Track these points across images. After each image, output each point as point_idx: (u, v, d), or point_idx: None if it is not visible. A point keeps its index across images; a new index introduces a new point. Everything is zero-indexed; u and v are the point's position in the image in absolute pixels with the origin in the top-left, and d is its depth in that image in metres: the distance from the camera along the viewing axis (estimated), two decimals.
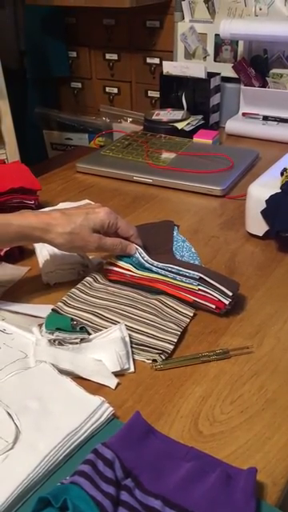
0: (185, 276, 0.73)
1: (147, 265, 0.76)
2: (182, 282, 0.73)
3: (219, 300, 0.71)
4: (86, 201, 1.02)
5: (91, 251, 0.76)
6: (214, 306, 0.71)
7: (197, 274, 0.73)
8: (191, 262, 0.82)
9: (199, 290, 0.72)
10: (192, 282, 0.72)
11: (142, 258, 0.76)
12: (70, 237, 0.72)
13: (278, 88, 1.40)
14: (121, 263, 0.78)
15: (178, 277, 0.74)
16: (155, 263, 0.76)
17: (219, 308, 0.71)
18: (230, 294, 0.71)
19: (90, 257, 0.84)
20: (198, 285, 0.72)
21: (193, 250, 0.87)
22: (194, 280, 0.73)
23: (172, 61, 1.54)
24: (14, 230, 0.70)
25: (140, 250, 0.77)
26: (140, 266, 0.77)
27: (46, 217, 0.72)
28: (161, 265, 0.75)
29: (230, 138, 1.43)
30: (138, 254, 0.77)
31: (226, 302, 0.70)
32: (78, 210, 0.75)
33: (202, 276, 0.72)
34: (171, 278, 0.74)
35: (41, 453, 0.51)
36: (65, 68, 1.81)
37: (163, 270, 0.75)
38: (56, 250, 0.78)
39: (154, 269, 0.75)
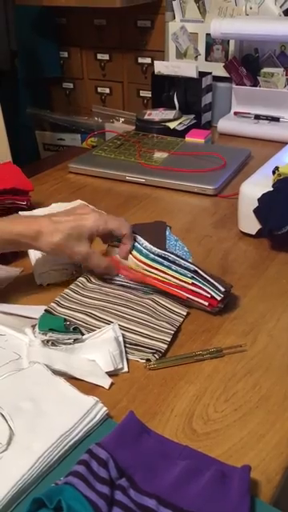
0: (180, 266, 0.73)
1: (145, 251, 0.76)
2: (176, 272, 0.73)
3: (212, 296, 0.71)
4: (79, 201, 1.01)
5: (78, 262, 0.76)
6: (206, 303, 0.71)
7: (192, 266, 0.73)
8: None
9: (192, 284, 0.72)
10: (186, 274, 0.72)
11: (141, 244, 0.77)
12: (56, 247, 0.72)
13: (270, 87, 1.40)
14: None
15: (174, 266, 0.73)
16: (153, 249, 0.76)
17: (212, 305, 0.71)
18: (223, 289, 0.71)
19: None
20: (192, 277, 0.72)
21: (185, 248, 0.87)
22: (188, 271, 0.73)
23: (163, 60, 1.54)
24: (1, 236, 0.71)
25: (139, 237, 0.78)
26: (138, 251, 0.77)
27: (35, 224, 0.72)
28: (158, 251, 0.75)
29: (222, 137, 1.43)
30: (136, 242, 0.77)
31: (218, 298, 0.71)
32: (67, 218, 0.74)
33: (197, 269, 0.72)
34: (166, 266, 0.74)
35: (35, 454, 0.51)
36: (56, 68, 1.81)
37: (160, 257, 0.75)
38: None
39: (151, 256, 0.75)
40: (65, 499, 0.45)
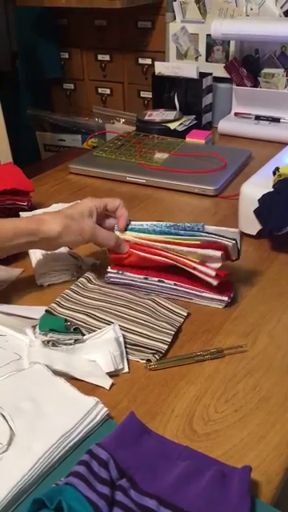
0: (185, 229, 0.75)
1: (150, 229, 0.77)
2: (185, 236, 0.74)
3: (225, 245, 0.72)
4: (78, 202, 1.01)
5: (87, 240, 0.76)
6: (219, 254, 0.72)
7: (199, 225, 0.75)
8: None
9: (201, 243, 0.72)
10: (194, 234, 0.74)
11: (140, 225, 0.79)
12: (65, 222, 0.73)
13: (270, 88, 1.40)
14: (126, 235, 0.78)
15: (182, 231, 0.75)
16: (158, 224, 0.77)
17: (219, 276, 0.72)
18: (233, 241, 0.72)
19: (84, 257, 0.84)
20: (200, 235, 0.73)
21: None
22: (196, 231, 0.74)
23: (164, 61, 1.54)
24: (10, 230, 0.72)
25: (134, 221, 0.79)
26: (141, 231, 0.78)
27: (36, 217, 0.77)
28: (161, 223, 0.77)
29: (223, 137, 1.43)
30: (133, 226, 0.79)
31: (231, 244, 0.72)
32: (62, 207, 0.78)
33: (204, 226, 0.74)
34: (174, 233, 0.75)
35: (35, 454, 0.51)
36: (57, 69, 1.81)
37: (167, 227, 0.76)
38: (49, 251, 0.78)
39: (157, 229, 0.77)
40: (65, 500, 0.45)
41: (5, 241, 0.73)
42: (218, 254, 0.72)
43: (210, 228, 0.76)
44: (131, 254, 0.77)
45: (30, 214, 0.95)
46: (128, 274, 0.77)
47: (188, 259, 0.74)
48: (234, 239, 0.73)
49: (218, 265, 0.72)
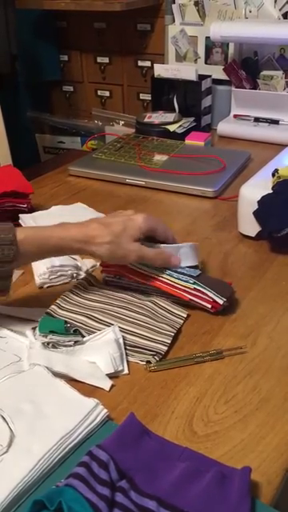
0: (182, 274, 0.73)
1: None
2: (178, 280, 0.73)
3: (214, 300, 0.71)
4: (79, 204, 1.02)
5: (133, 261, 0.74)
6: (209, 306, 0.72)
7: (194, 271, 0.73)
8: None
9: (195, 289, 0.72)
10: (188, 280, 0.73)
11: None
12: (110, 246, 0.70)
13: (269, 90, 1.40)
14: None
15: (175, 274, 0.74)
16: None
17: (215, 308, 0.72)
18: (225, 299, 0.71)
19: (84, 259, 0.84)
20: (194, 283, 0.72)
21: None
22: (190, 277, 0.73)
23: (163, 63, 1.54)
24: (54, 242, 0.69)
25: None
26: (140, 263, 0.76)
27: (85, 228, 0.71)
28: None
29: (222, 139, 1.44)
30: None
31: (221, 302, 0.71)
32: (115, 219, 0.73)
33: (199, 275, 0.73)
34: (168, 274, 0.74)
35: (35, 456, 0.51)
36: (56, 71, 1.82)
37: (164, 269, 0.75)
38: None
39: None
40: (65, 501, 0.45)
41: (47, 251, 0.71)
42: (209, 306, 0.72)
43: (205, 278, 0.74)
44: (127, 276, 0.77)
45: (30, 217, 0.95)
46: (126, 280, 0.77)
47: (182, 292, 0.73)
48: (226, 297, 0.71)
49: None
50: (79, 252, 0.73)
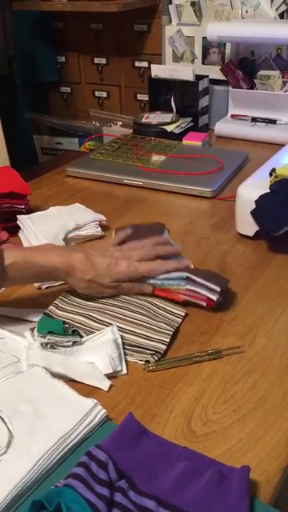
0: (172, 279, 0.74)
1: None
2: (170, 286, 0.74)
3: (208, 297, 0.71)
4: (77, 204, 1.02)
5: (109, 295, 0.76)
6: (204, 304, 0.72)
7: (184, 274, 0.73)
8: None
9: (187, 290, 0.73)
10: (180, 283, 0.73)
11: None
12: (89, 284, 0.73)
13: (266, 89, 1.41)
14: None
15: (166, 282, 0.74)
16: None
17: (209, 305, 0.72)
18: (218, 289, 0.71)
19: None
20: (186, 284, 0.73)
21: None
22: (181, 280, 0.73)
23: (160, 64, 1.55)
24: (37, 270, 0.71)
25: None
26: None
27: (71, 259, 0.72)
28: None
29: (220, 139, 1.44)
30: None
31: (214, 299, 0.71)
32: (101, 259, 0.74)
33: (189, 275, 0.73)
34: (160, 284, 0.75)
35: (34, 456, 0.51)
36: (54, 73, 1.82)
37: (150, 278, 0.75)
38: None
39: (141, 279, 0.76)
40: (64, 501, 0.45)
41: (32, 277, 0.74)
42: (204, 303, 0.73)
43: (197, 273, 0.74)
44: None
45: (28, 218, 0.95)
46: None
47: (176, 293, 0.74)
48: (221, 289, 0.72)
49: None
50: (60, 280, 0.76)
